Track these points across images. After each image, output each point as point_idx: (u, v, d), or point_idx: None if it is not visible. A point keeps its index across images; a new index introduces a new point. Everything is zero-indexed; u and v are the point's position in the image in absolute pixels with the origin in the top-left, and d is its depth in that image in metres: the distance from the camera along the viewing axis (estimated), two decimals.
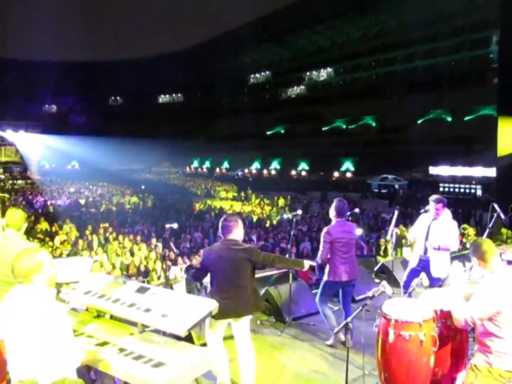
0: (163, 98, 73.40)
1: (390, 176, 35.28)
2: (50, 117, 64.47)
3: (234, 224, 4.45)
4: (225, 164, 54.85)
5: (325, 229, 5.72)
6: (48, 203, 24.96)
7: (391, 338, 3.62)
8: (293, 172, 46.46)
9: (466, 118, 37.58)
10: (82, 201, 26.12)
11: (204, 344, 4.48)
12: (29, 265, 2.75)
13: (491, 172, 25.60)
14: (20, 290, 2.80)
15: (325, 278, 5.76)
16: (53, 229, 15.69)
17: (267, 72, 63.82)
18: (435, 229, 5.90)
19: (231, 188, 38.56)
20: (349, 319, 3.50)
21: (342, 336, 5.59)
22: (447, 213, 5.95)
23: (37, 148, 49.29)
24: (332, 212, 5.81)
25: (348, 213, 7.64)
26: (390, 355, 3.69)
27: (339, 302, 7.23)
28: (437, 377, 3.87)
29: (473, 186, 31.23)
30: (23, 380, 2.65)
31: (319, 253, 5.68)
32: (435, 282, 5.56)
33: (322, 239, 5.68)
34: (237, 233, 4.46)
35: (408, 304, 3.89)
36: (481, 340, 3.40)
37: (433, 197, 6.26)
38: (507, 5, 11.64)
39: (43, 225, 16.29)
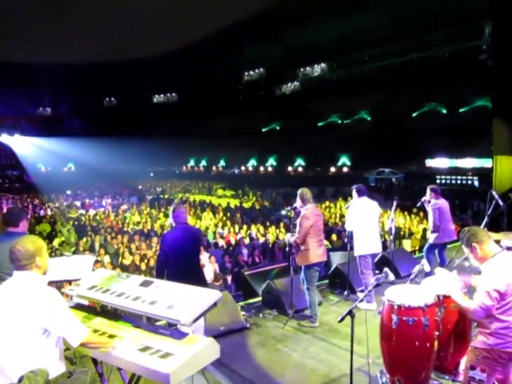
0: (157, 98, 73.11)
1: (386, 170, 35.28)
2: (45, 119, 64.17)
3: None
4: (222, 162, 54.79)
5: (303, 215, 5.98)
6: (47, 205, 24.91)
7: (395, 323, 3.65)
8: (290, 168, 46.42)
9: (461, 110, 37.61)
10: (79, 203, 26.06)
11: None
12: (34, 247, 2.92)
13: (487, 163, 25.66)
14: (18, 278, 2.87)
15: (305, 263, 5.97)
16: (53, 231, 15.69)
17: (261, 69, 63.60)
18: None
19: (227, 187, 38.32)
20: (353, 306, 3.52)
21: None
22: (359, 200, 6.77)
23: (32, 151, 49.14)
24: (300, 201, 6.11)
25: (346, 206, 7.80)
26: (394, 341, 3.71)
27: (340, 294, 7.31)
28: (441, 362, 3.90)
29: (470, 177, 31.29)
30: (34, 370, 2.66)
31: (297, 235, 5.92)
32: None
33: (301, 224, 5.91)
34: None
35: (410, 290, 3.91)
36: (481, 323, 3.43)
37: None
38: None
39: (43, 226, 16.29)
